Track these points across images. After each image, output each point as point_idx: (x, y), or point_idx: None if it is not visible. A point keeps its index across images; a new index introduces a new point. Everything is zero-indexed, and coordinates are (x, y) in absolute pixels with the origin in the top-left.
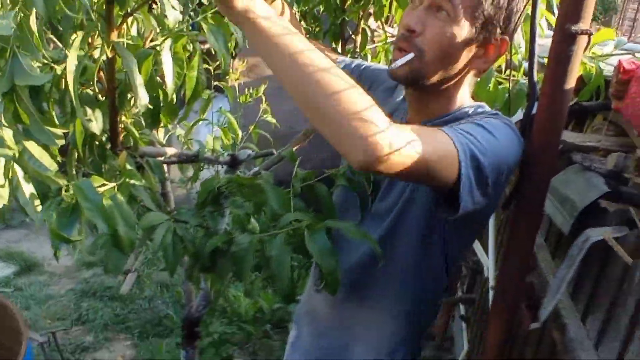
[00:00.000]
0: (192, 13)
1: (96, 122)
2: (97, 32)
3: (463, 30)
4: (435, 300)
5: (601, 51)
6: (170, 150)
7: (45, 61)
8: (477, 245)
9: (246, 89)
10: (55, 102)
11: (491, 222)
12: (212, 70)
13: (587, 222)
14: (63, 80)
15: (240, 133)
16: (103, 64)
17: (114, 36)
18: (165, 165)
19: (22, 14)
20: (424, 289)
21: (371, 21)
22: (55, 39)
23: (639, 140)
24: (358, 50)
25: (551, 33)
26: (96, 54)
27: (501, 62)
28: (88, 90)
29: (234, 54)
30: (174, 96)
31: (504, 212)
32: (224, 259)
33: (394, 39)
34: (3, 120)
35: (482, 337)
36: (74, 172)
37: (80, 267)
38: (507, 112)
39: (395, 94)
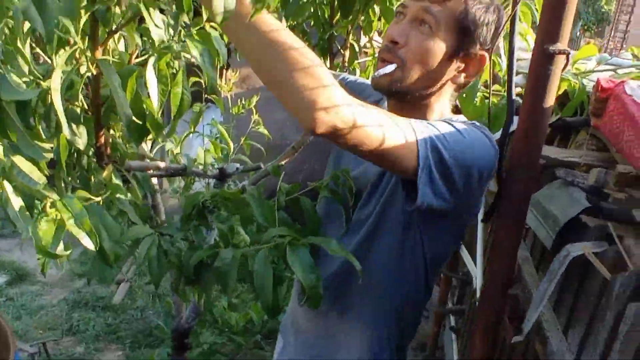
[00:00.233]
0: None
1: (81, 138)
2: (82, 50)
3: (444, 43)
4: (418, 302)
5: (585, 67)
6: (159, 164)
7: (32, 77)
8: (466, 257)
9: (238, 100)
10: (41, 117)
11: (479, 233)
12: (204, 83)
13: (569, 236)
14: (49, 95)
15: (232, 145)
16: (88, 80)
17: (98, 54)
18: (156, 178)
19: (7, 29)
20: (404, 291)
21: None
22: (42, 54)
23: (619, 155)
24: (347, 64)
25: None
26: (83, 69)
27: (488, 77)
28: (74, 106)
29: (225, 66)
30: (160, 112)
31: (485, 224)
32: (208, 272)
33: None
34: None
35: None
36: (63, 185)
37: (73, 277)
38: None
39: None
